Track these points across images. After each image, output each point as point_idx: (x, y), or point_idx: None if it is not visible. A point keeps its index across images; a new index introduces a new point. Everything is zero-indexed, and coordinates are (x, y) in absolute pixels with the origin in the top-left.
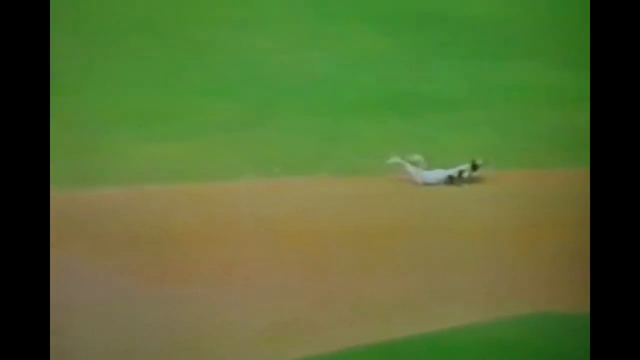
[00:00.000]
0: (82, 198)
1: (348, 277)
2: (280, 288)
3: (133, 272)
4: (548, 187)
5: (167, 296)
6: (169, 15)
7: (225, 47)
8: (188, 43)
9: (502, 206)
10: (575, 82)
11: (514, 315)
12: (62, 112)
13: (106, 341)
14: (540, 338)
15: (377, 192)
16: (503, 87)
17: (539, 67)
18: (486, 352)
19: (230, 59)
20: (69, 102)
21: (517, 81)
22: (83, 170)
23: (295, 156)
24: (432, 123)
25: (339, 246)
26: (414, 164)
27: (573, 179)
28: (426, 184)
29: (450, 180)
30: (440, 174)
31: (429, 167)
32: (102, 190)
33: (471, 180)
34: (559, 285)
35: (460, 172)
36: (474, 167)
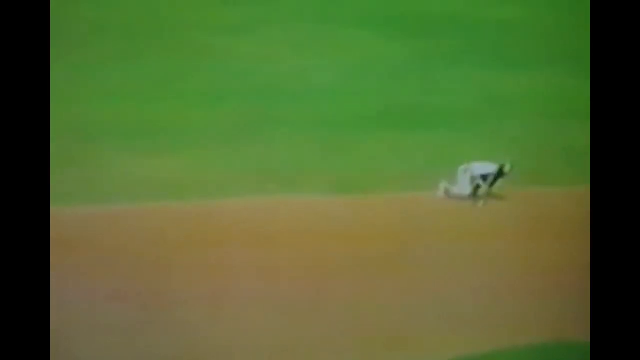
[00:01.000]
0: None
1: (350, 304)
2: (276, 315)
3: (125, 297)
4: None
5: (159, 320)
6: (164, 21)
7: (222, 54)
8: (185, 50)
9: (509, 230)
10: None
11: (516, 345)
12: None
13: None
14: None
15: (378, 214)
16: (517, 98)
17: (558, 75)
18: None
19: (227, 67)
20: (65, 113)
21: (533, 92)
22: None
23: (293, 172)
24: (440, 137)
25: (340, 273)
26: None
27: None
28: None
29: (477, 188)
30: (466, 184)
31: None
32: (92, 209)
33: (490, 194)
34: (562, 315)
35: (485, 178)
36: (501, 173)
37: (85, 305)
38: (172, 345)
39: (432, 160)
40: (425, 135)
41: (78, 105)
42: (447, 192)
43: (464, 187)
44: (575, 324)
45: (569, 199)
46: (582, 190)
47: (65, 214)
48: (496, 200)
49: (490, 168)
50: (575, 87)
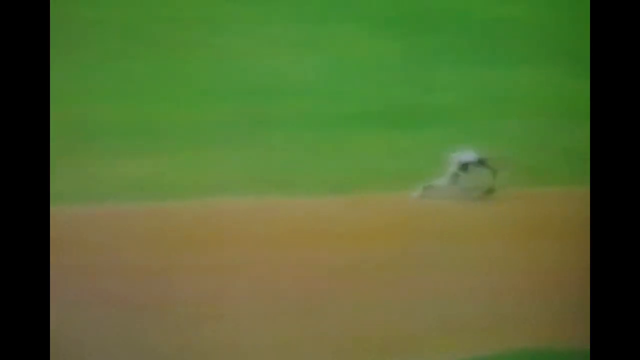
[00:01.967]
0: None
1: (349, 304)
2: (273, 319)
3: (119, 299)
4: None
5: (159, 320)
6: (164, 21)
7: (222, 54)
8: (185, 50)
9: (509, 230)
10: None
11: (513, 350)
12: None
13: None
14: None
15: (377, 214)
16: (516, 97)
17: (557, 74)
18: None
19: (227, 67)
20: (65, 113)
21: (533, 91)
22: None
23: (291, 171)
24: (439, 136)
25: (340, 273)
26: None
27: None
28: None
29: (456, 177)
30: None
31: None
32: (92, 209)
33: (487, 193)
34: (559, 321)
35: (466, 167)
36: (481, 162)
37: (85, 305)
38: (172, 345)
39: (431, 159)
40: (424, 135)
41: (78, 105)
42: (425, 191)
43: (442, 180)
44: (575, 325)
45: (569, 199)
46: (582, 190)
47: (65, 214)
48: (496, 200)
49: (469, 156)
50: (575, 86)
